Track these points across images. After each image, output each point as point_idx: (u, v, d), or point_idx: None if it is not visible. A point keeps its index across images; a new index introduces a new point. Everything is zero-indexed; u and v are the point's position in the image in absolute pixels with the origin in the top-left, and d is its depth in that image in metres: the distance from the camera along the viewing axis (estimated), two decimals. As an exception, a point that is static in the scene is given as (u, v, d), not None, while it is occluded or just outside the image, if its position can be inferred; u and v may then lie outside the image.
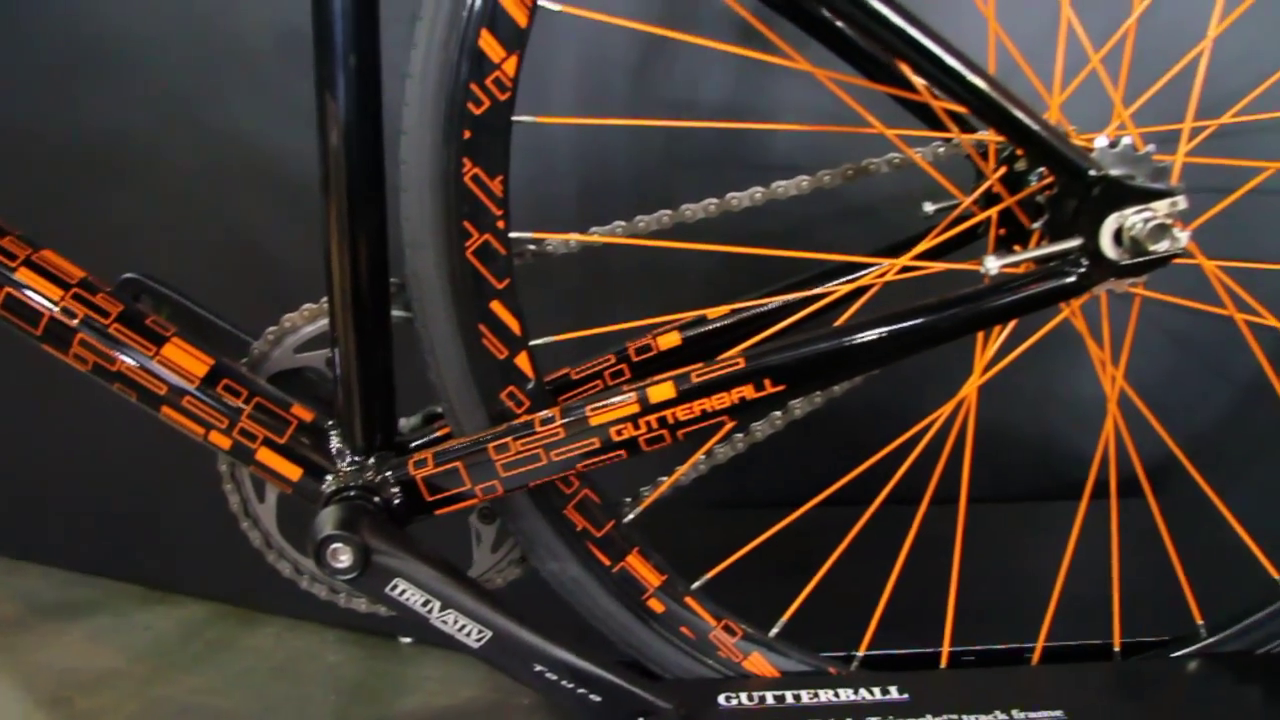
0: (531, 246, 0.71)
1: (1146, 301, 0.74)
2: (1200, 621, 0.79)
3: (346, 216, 0.65)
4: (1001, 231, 0.73)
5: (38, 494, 1.15)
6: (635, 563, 0.73)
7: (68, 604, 1.10)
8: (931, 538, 0.75)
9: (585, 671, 0.68)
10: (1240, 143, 0.81)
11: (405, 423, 0.75)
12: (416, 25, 0.62)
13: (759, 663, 0.76)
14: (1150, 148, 0.67)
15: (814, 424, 0.77)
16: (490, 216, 0.64)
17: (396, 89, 0.63)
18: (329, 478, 0.69)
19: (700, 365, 0.66)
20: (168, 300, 0.74)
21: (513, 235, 0.66)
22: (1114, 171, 0.66)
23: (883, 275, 0.73)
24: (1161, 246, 0.65)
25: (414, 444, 0.72)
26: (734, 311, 0.76)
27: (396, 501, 0.68)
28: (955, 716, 0.70)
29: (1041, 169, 0.69)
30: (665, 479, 0.75)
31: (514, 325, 0.67)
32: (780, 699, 0.73)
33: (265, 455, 0.68)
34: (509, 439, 0.66)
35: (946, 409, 0.74)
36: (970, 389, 0.74)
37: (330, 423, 0.70)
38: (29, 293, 0.65)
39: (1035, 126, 0.65)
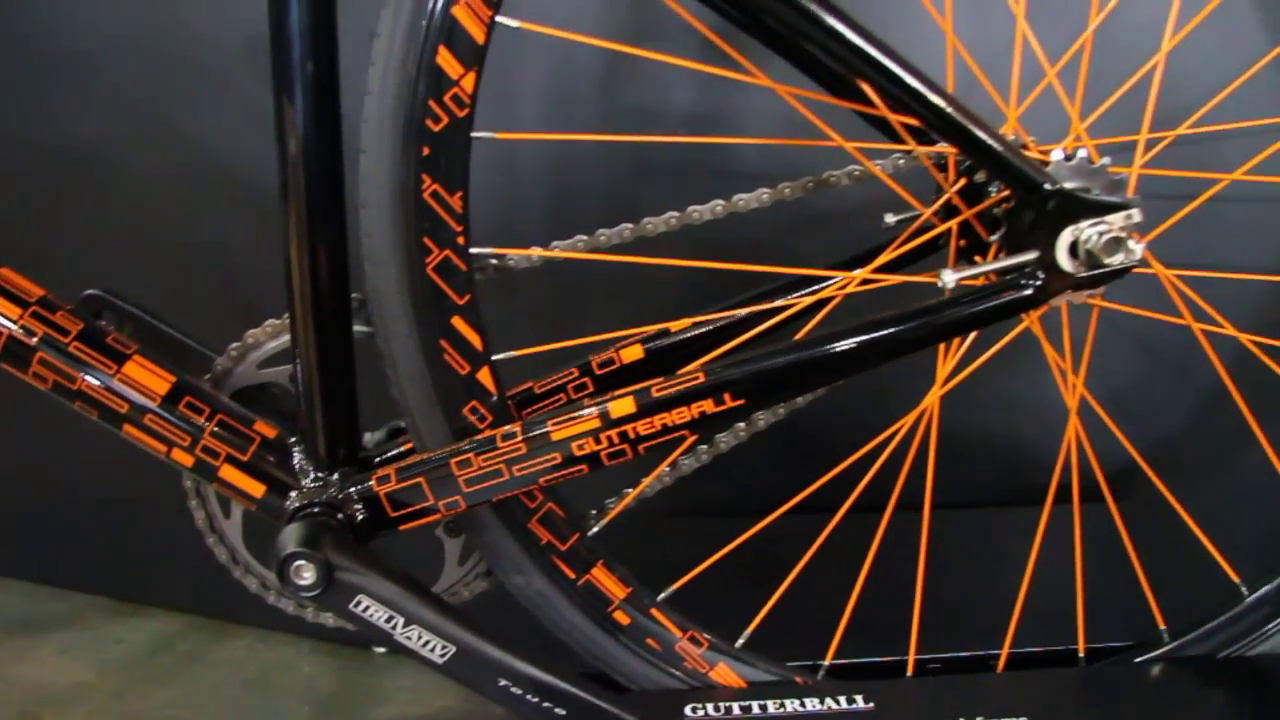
0: (493, 261, 0.71)
1: (1108, 309, 0.74)
2: (1163, 626, 0.80)
3: (306, 226, 0.65)
4: (963, 243, 0.73)
5: (6, 508, 1.14)
6: (600, 575, 0.74)
7: (37, 618, 1.09)
8: (897, 545, 0.76)
9: (550, 685, 0.68)
10: (1198, 152, 0.81)
11: (370, 437, 0.75)
12: (374, 42, 0.62)
13: (725, 673, 0.76)
14: (1106, 160, 0.68)
15: (779, 433, 0.77)
16: (450, 232, 0.64)
17: (358, 107, 0.63)
18: (293, 494, 0.69)
19: (660, 380, 0.66)
20: (130, 316, 0.74)
21: (473, 250, 0.66)
22: (1069, 185, 0.66)
23: (844, 288, 0.74)
24: (1116, 259, 0.66)
25: (377, 459, 0.72)
26: (696, 324, 0.76)
27: (360, 517, 0.67)
28: (919, 725, 0.71)
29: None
30: (630, 491, 0.75)
31: (476, 340, 0.67)
32: (746, 709, 0.73)
33: (228, 472, 0.68)
34: (471, 454, 0.66)
35: (909, 419, 0.75)
36: (932, 399, 0.74)
37: (293, 439, 0.70)
38: (-13, 312, 0.64)
39: (989, 140, 0.65)
